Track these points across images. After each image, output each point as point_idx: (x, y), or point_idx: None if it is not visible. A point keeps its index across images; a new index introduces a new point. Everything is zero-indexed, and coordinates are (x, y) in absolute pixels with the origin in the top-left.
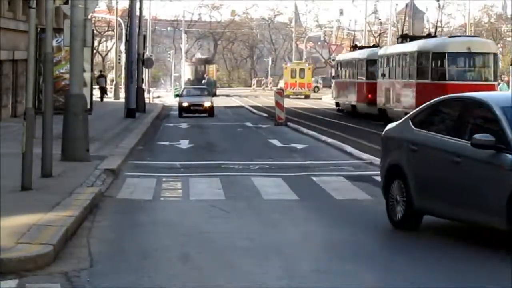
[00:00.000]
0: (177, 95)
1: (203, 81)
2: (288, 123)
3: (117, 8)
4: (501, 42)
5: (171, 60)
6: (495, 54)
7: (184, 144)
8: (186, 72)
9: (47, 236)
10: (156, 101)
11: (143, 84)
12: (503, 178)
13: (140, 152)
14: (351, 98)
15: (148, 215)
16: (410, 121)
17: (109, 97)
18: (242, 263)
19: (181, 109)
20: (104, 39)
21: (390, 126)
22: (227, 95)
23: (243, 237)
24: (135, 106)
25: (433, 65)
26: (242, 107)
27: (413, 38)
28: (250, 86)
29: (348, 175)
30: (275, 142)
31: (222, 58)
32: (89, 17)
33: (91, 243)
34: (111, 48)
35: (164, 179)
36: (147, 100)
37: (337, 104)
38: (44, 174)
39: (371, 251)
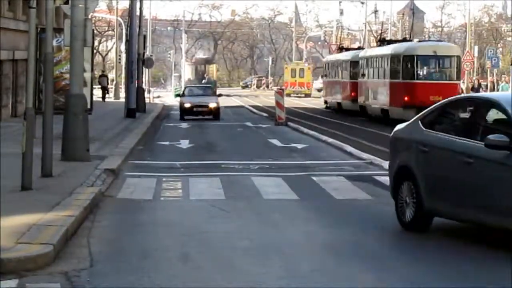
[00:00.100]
0: (177, 95)
1: (203, 81)
2: (288, 123)
3: (117, 8)
4: (501, 42)
5: (171, 60)
6: (458, 57)
7: (184, 144)
8: (186, 72)
9: (47, 236)
10: (156, 101)
11: (143, 84)
12: None
13: (140, 152)
14: (337, 96)
15: (148, 215)
16: (419, 122)
17: (110, 97)
18: (242, 263)
19: (183, 111)
20: (104, 39)
21: (399, 127)
22: (228, 95)
23: (243, 237)
24: (135, 106)
25: (404, 66)
26: (242, 107)
27: (390, 42)
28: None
29: (348, 175)
30: (275, 142)
31: (222, 58)
32: (89, 17)
33: (91, 243)
34: (111, 48)
35: (164, 179)
36: (147, 100)
37: (325, 101)
38: (44, 174)
39: (371, 251)
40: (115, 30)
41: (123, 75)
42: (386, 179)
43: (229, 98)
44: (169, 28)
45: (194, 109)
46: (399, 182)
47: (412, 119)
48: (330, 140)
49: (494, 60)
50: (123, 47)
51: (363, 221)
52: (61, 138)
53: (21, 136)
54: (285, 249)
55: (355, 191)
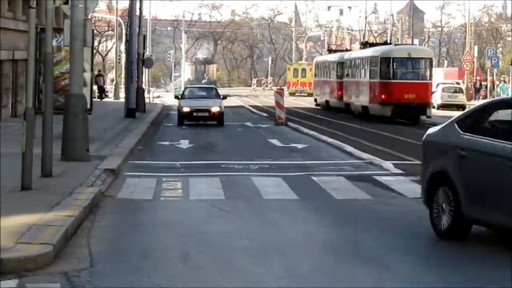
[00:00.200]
0: (176, 97)
1: (203, 81)
2: (288, 123)
3: (117, 8)
4: (501, 42)
5: (171, 60)
6: (430, 59)
7: (184, 144)
8: (186, 72)
9: (47, 236)
10: (156, 101)
11: (143, 84)
12: None
13: (140, 152)
14: (326, 95)
15: (148, 215)
16: (455, 125)
17: (109, 97)
18: (242, 263)
19: (182, 115)
20: (104, 39)
21: (431, 130)
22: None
23: (243, 237)
24: (135, 106)
25: (382, 67)
26: (242, 107)
27: (372, 44)
28: (250, 86)
29: (348, 174)
30: (275, 142)
31: (222, 58)
32: (89, 17)
33: (91, 243)
34: (111, 48)
35: (164, 179)
36: (147, 100)
37: (315, 99)
38: (44, 174)
39: (371, 251)
40: (115, 30)
41: (123, 75)
42: (386, 179)
43: (229, 98)
44: (169, 28)
45: (194, 113)
46: (434, 188)
47: (447, 122)
48: (330, 140)
49: (494, 60)
50: (123, 47)
51: (363, 221)
52: (61, 138)
53: (21, 136)
54: (285, 249)
55: (355, 191)
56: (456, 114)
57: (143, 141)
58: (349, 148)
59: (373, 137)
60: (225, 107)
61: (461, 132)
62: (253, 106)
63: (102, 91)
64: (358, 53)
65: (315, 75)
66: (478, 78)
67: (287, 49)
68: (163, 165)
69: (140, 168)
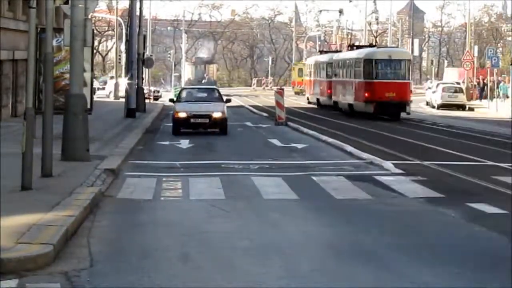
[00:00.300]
0: (172, 100)
1: (203, 81)
2: (288, 123)
3: (117, 8)
4: (501, 42)
5: (171, 60)
6: (409, 60)
7: (184, 144)
8: (186, 72)
9: (47, 236)
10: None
11: (143, 84)
12: None
13: (140, 152)
14: (317, 93)
15: (148, 215)
16: None
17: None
18: (242, 263)
19: (177, 122)
20: (104, 39)
21: None
22: (227, 95)
23: (243, 237)
24: (135, 106)
25: (365, 68)
26: (242, 106)
27: (359, 47)
28: (250, 86)
29: (348, 174)
30: (275, 141)
31: (222, 58)
32: (89, 17)
33: (91, 243)
34: (111, 48)
35: (164, 179)
36: (147, 100)
37: (308, 98)
38: (44, 174)
39: (371, 251)
40: (115, 30)
41: (123, 75)
42: (386, 179)
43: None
44: (169, 28)
45: (192, 120)
46: None
47: None
48: (330, 140)
49: (494, 60)
50: (123, 47)
51: (363, 221)
52: (61, 138)
53: (21, 136)
54: (285, 249)
55: (355, 191)
56: (456, 114)
57: (143, 141)
58: (349, 148)
59: (373, 137)
60: (226, 108)
61: None
62: (253, 106)
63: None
64: (345, 54)
65: (307, 74)
66: (481, 77)
67: (287, 49)
68: (163, 165)
69: (140, 168)
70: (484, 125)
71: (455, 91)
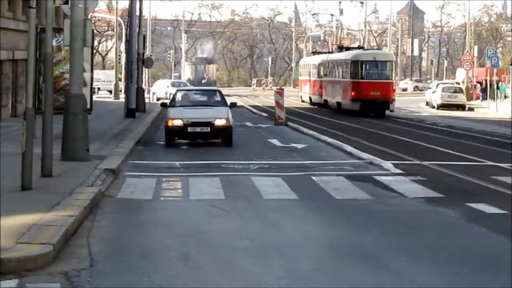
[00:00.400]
0: (164, 104)
1: (203, 81)
2: (288, 123)
3: (117, 8)
4: (501, 42)
5: (171, 60)
6: (393, 61)
7: (184, 143)
8: (186, 72)
9: (47, 236)
10: (156, 101)
11: (143, 84)
12: None
13: (140, 152)
14: (309, 92)
15: (148, 215)
16: None
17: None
18: (242, 263)
19: (170, 131)
20: (104, 39)
21: None
22: (227, 95)
23: (243, 237)
24: (135, 106)
25: (352, 69)
26: (242, 106)
27: (347, 48)
28: (250, 86)
29: (348, 174)
30: (275, 141)
31: (222, 58)
32: (89, 16)
33: (91, 243)
34: (111, 48)
35: (164, 179)
36: (147, 100)
37: (301, 96)
38: (44, 174)
39: (371, 250)
40: (114, 30)
41: (123, 75)
42: (386, 179)
43: (229, 98)
44: (169, 28)
45: (189, 128)
46: None
47: None
48: (330, 140)
49: (494, 60)
50: (122, 47)
51: (363, 221)
52: (61, 138)
53: (21, 136)
54: (285, 249)
55: (355, 191)
56: (456, 114)
57: (143, 141)
58: (349, 148)
59: (373, 137)
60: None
61: None
62: (253, 106)
63: None
64: (334, 55)
65: (301, 74)
66: (484, 77)
67: (287, 49)
68: (163, 165)
69: (140, 168)
70: (484, 125)
71: (455, 91)
